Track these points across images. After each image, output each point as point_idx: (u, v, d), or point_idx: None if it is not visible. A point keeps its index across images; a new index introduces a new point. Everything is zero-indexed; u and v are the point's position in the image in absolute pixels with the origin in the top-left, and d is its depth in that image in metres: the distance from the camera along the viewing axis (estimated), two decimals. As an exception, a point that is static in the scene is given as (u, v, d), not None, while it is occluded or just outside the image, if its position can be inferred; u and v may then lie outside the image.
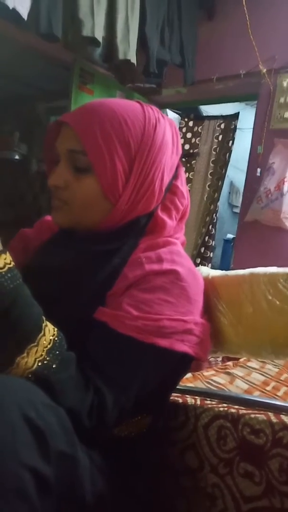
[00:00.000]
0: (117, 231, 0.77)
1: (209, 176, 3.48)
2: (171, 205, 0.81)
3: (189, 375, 1.32)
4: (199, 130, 3.56)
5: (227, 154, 3.39)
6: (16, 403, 0.53)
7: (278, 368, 1.56)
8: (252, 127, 2.97)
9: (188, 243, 3.32)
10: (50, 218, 0.88)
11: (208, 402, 0.90)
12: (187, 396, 0.93)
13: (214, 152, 3.47)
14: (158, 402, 0.79)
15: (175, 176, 0.81)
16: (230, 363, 1.58)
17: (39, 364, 0.59)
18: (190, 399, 0.91)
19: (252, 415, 0.82)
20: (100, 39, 2.20)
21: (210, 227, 3.45)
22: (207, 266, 3.22)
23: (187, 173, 3.52)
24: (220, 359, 1.72)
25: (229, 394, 1.05)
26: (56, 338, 0.63)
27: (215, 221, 3.50)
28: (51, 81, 3.39)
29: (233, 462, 0.81)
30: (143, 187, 0.75)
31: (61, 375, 0.61)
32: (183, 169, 0.84)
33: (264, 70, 2.80)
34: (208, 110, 4.06)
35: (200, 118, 3.64)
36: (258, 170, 2.85)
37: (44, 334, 0.61)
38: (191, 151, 3.55)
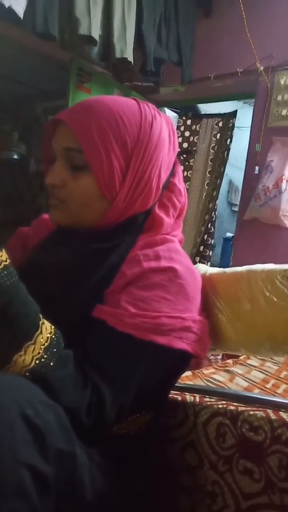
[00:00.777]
0: (114, 229, 0.77)
1: (208, 175, 3.48)
2: (168, 202, 0.81)
3: (189, 373, 1.32)
4: (197, 129, 3.56)
5: (225, 152, 3.39)
6: (14, 401, 0.53)
7: (277, 366, 1.56)
8: (250, 125, 2.97)
9: (187, 242, 3.33)
10: (47, 217, 0.88)
11: (207, 399, 0.90)
12: (186, 393, 0.93)
13: (212, 151, 3.47)
14: (157, 400, 0.78)
15: (172, 174, 0.81)
16: (230, 361, 1.58)
17: (37, 362, 0.59)
18: (189, 397, 0.91)
19: (251, 412, 0.81)
20: (97, 38, 2.20)
21: (209, 225, 3.45)
22: (206, 264, 3.22)
23: (186, 172, 3.52)
24: (219, 357, 1.72)
25: (228, 391, 1.05)
26: (53, 336, 0.62)
27: (214, 219, 3.51)
28: (49, 80, 3.39)
29: (233, 459, 0.81)
30: (140, 184, 0.75)
31: (59, 373, 0.61)
32: (180, 166, 0.84)
33: (262, 68, 2.80)
34: (206, 108, 4.06)
35: (198, 117, 3.65)
36: (257, 168, 2.85)
37: (41, 332, 0.61)
38: (190, 149, 3.55)
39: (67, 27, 2.15)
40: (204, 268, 0.90)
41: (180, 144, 3.50)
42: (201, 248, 3.45)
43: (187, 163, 3.53)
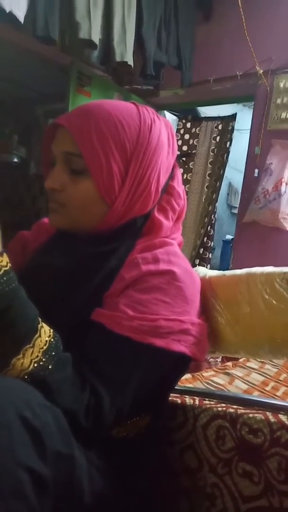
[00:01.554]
0: (113, 233, 0.77)
1: (207, 177, 3.48)
2: (167, 205, 0.81)
3: (188, 376, 1.32)
4: (197, 132, 3.56)
5: (225, 155, 3.40)
6: (13, 403, 0.53)
7: (277, 368, 1.56)
8: (249, 128, 2.98)
9: (186, 244, 3.33)
10: (47, 221, 0.88)
11: (207, 402, 0.90)
12: (185, 396, 0.93)
13: (212, 153, 3.48)
14: (157, 403, 0.78)
15: (171, 177, 0.81)
16: (229, 363, 1.58)
17: (35, 365, 0.59)
18: (188, 400, 0.91)
19: (250, 415, 0.82)
20: (97, 42, 2.21)
21: (209, 228, 3.46)
22: (206, 267, 3.22)
23: (185, 175, 3.53)
24: (219, 359, 1.72)
25: (227, 394, 1.05)
26: (51, 339, 0.63)
27: (213, 222, 3.51)
28: (49, 83, 3.40)
29: (232, 461, 0.81)
30: (139, 188, 0.75)
31: (57, 376, 0.61)
32: (179, 169, 0.84)
33: (261, 71, 2.81)
34: (206, 111, 4.07)
35: (197, 119, 3.65)
36: (256, 171, 2.86)
37: (39, 336, 0.61)
38: (189, 152, 3.56)
39: (68, 30, 2.16)
40: (203, 271, 0.91)
41: (180, 147, 3.51)
42: (201, 250, 3.45)
43: (186, 166, 3.54)
